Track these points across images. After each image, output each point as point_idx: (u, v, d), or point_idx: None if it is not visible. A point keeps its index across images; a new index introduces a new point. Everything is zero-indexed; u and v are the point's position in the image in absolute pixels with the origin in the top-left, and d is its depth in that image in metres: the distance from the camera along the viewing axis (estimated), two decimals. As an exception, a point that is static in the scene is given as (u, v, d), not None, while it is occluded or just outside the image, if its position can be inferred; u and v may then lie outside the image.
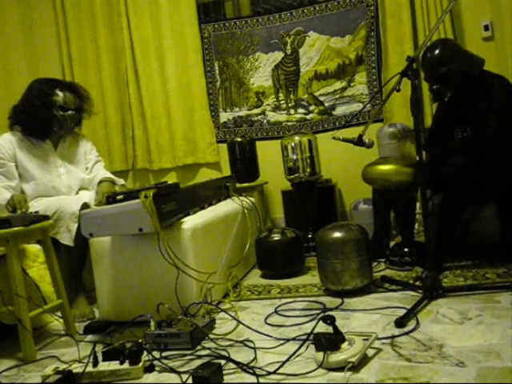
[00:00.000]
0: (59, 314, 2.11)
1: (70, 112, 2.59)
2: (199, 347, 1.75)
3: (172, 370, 1.59)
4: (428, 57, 2.41)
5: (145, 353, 1.66)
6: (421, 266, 2.40)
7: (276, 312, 2.06)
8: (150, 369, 1.62)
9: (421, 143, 1.98)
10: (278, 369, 1.49)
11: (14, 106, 2.60)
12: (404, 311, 1.81)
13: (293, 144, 3.18)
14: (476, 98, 2.39)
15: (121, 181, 2.76)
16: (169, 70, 4.11)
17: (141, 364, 1.60)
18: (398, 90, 1.97)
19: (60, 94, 2.57)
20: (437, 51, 2.39)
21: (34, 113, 2.51)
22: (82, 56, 4.25)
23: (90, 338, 2.04)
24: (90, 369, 1.58)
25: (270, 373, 1.48)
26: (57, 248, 2.34)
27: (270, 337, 1.76)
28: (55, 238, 2.34)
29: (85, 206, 2.37)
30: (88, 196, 2.59)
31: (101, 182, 2.62)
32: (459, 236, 2.35)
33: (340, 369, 1.43)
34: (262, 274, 2.74)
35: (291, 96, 4.01)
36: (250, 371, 1.51)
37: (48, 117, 2.54)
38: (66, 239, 2.33)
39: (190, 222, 2.15)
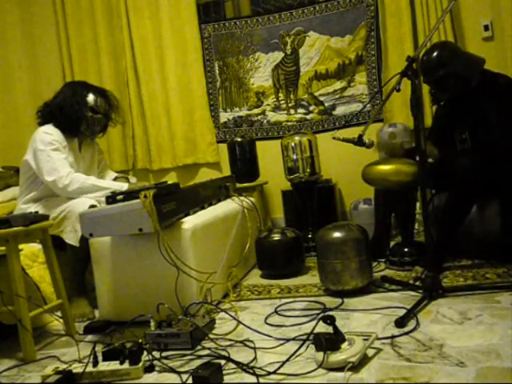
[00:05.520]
0: (59, 313, 2.11)
1: (98, 115, 2.59)
2: (199, 347, 1.75)
3: (172, 370, 1.59)
4: (425, 60, 2.40)
5: (145, 353, 1.66)
6: (421, 265, 2.40)
7: (276, 312, 2.06)
8: (150, 369, 1.62)
9: (420, 142, 1.98)
10: (278, 369, 1.49)
11: (46, 102, 2.59)
12: (404, 311, 1.81)
13: (293, 144, 3.18)
14: (477, 99, 2.38)
15: (134, 179, 2.78)
16: (169, 69, 4.11)
17: (141, 364, 1.60)
18: (398, 90, 1.97)
19: (92, 96, 2.58)
20: (434, 54, 2.38)
21: (67, 109, 2.51)
22: (82, 56, 4.24)
23: (90, 338, 2.04)
24: (90, 369, 1.58)
25: (270, 373, 1.48)
26: (61, 248, 2.34)
27: (270, 337, 1.76)
28: (61, 238, 2.35)
29: (92, 207, 2.35)
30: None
31: (116, 178, 2.69)
32: (461, 235, 2.35)
33: (340, 369, 1.43)
34: (261, 274, 2.74)
35: (291, 96, 4.01)
36: (250, 371, 1.51)
37: (79, 115, 2.53)
38: (72, 239, 2.32)
39: (189, 221, 2.15)
